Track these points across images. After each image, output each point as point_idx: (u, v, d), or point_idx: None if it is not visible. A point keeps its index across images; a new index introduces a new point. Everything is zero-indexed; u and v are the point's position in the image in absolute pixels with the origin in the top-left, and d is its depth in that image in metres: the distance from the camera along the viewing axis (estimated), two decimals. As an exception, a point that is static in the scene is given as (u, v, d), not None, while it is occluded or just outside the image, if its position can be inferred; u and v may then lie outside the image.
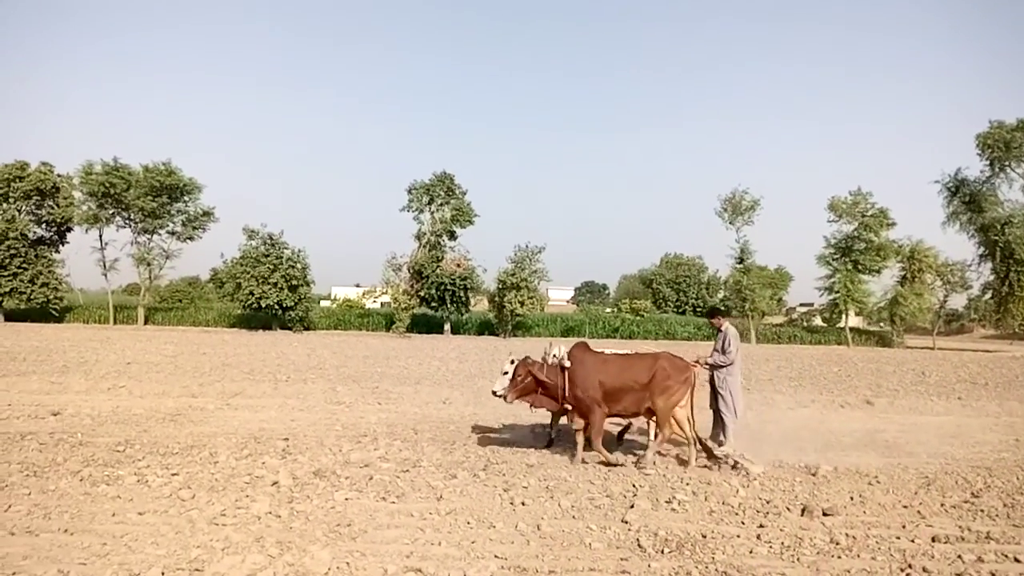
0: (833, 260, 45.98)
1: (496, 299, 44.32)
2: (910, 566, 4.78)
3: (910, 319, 46.87)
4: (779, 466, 7.93)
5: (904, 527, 5.73)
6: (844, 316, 48.06)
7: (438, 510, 5.90)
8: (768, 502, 6.36)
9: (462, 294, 43.06)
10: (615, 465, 7.75)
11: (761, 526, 5.65)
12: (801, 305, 75.86)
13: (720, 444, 8.56)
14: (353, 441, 8.88)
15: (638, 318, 51.12)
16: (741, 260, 46.60)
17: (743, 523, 5.76)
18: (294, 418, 10.72)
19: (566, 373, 8.04)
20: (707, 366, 8.80)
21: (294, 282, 41.97)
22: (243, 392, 13.46)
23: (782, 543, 5.22)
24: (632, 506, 6.07)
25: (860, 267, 44.89)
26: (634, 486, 6.79)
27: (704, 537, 5.32)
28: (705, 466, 7.94)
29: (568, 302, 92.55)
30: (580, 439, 8.06)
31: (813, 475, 7.50)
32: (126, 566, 4.43)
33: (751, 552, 5.04)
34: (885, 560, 4.91)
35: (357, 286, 72.47)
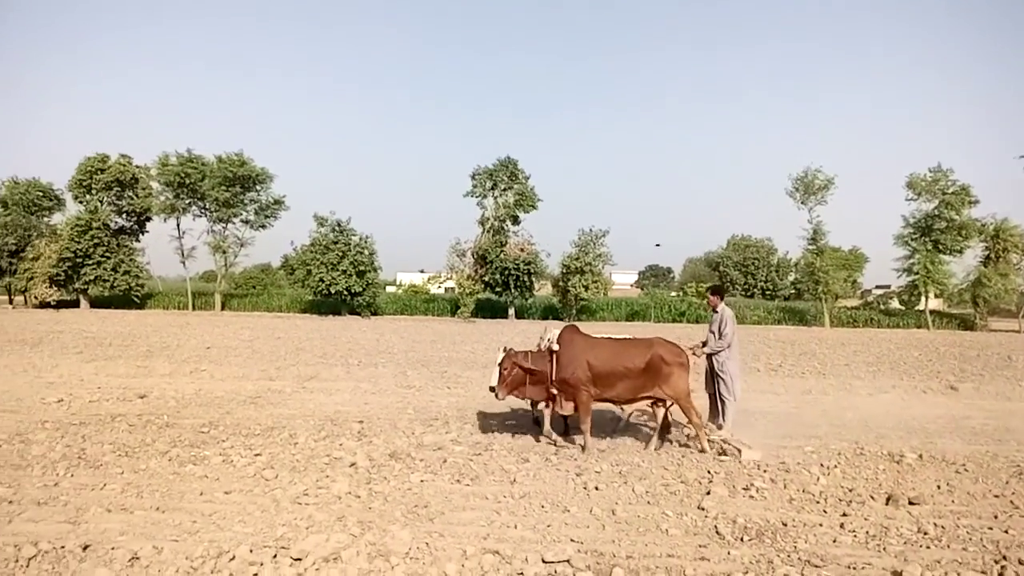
0: (912, 240, 44.08)
1: (560, 283, 44.20)
2: (1004, 558, 4.59)
3: (994, 301, 44.54)
4: (860, 453, 7.70)
5: (996, 517, 5.51)
6: (924, 298, 46.12)
7: (512, 493, 5.96)
8: (851, 490, 6.19)
9: (526, 279, 43.09)
10: (587, 449, 7.62)
11: (844, 515, 5.51)
12: (877, 287, 73.20)
13: (719, 428, 8.38)
14: (425, 424, 9.04)
15: (705, 302, 50.24)
16: (814, 241, 45.14)
17: (825, 511, 5.63)
18: (367, 401, 10.96)
19: (554, 357, 7.93)
20: (706, 353, 8.62)
21: (362, 268, 42.73)
22: (317, 376, 13.84)
23: (867, 532, 5.08)
24: (708, 493, 6.00)
25: (940, 247, 42.89)
26: (709, 472, 6.70)
27: (785, 525, 5.22)
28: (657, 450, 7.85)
29: (632, 286, 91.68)
30: (546, 419, 8.16)
31: (897, 463, 7.26)
32: (216, 543, 4.62)
33: (835, 541, 4.92)
34: (977, 551, 4.73)
35: (421, 272, 73.45)
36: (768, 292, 70.58)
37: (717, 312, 8.71)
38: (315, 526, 4.99)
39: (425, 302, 49.83)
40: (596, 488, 6.13)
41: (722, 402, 8.60)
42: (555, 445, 7.91)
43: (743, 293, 69.89)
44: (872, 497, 5.98)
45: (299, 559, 4.34)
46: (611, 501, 5.78)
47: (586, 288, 42.52)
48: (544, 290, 47.90)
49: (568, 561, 4.38)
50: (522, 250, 43.16)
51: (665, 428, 8.27)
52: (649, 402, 8.17)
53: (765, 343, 26.93)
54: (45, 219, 45.70)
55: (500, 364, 8.09)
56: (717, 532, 5.09)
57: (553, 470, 6.76)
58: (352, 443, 7.70)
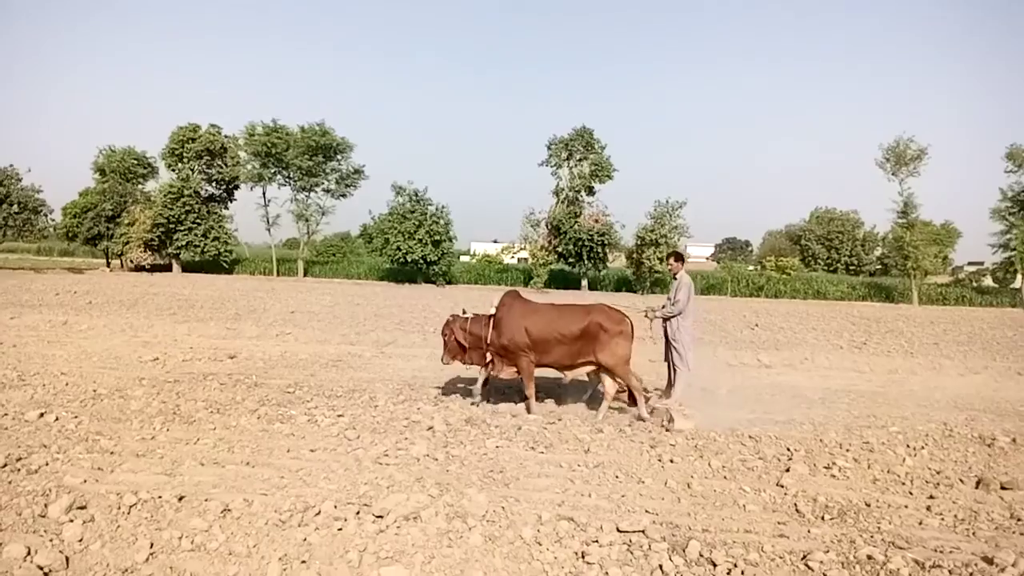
0: (1010, 214, 41.61)
1: (634, 255, 43.65)
2: (1109, 551, 4.34)
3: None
4: (949, 435, 7.38)
5: (1101, 508, 5.20)
6: (1020, 276, 43.55)
7: (586, 462, 5.98)
8: (938, 472, 5.95)
9: (600, 250, 42.75)
10: (531, 412, 7.78)
11: (931, 497, 5.31)
12: (970, 264, 69.47)
13: (668, 396, 8.32)
14: (499, 392, 9.13)
15: (784, 276, 48.81)
16: (904, 214, 43.06)
17: (911, 493, 5.44)
18: (443, 368, 11.14)
19: (491, 322, 7.93)
20: (656, 317, 8.52)
21: (437, 237, 43.28)
22: (395, 341, 14.16)
23: (955, 516, 4.89)
24: (788, 470, 5.88)
25: (1040, 222, 40.35)
26: (788, 450, 6.55)
27: (868, 506, 5.07)
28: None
29: (708, 259, 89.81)
30: (478, 384, 8.29)
31: (988, 446, 6.93)
32: (302, 498, 4.82)
33: (920, 524, 4.76)
34: (1078, 543, 4.49)
35: (495, 242, 73.76)
36: (852, 267, 68.05)
37: (676, 279, 8.59)
38: (395, 486, 5.14)
39: (498, 272, 50.12)
40: (671, 461, 6.09)
41: (674, 371, 8.50)
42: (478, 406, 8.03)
43: (826, 268, 67.59)
44: (961, 480, 5.74)
45: (381, 516, 4.48)
46: (686, 474, 5.73)
47: (660, 261, 41.87)
48: (618, 262, 47.46)
49: (643, 531, 4.38)
50: (596, 221, 42.77)
51: (631, 399, 8.09)
52: (592, 369, 8.09)
53: (849, 320, 25.99)
54: (140, 186, 47.92)
55: (442, 331, 8.30)
56: (797, 510, 4.99)
57: (627, 441, 6.75)
58: (429, 408, 7.87)
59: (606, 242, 42.51)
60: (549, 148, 43.90)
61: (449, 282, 46.26)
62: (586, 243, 42.12)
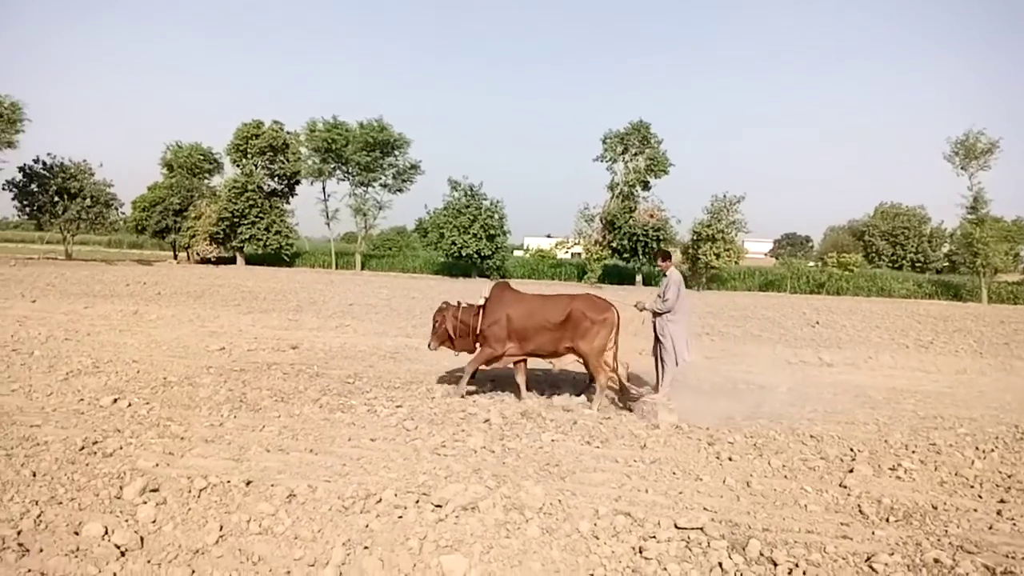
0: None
1: (690, 251, 43.05)
2: None
3: None
4: (1021, 438, 7.09)
5: None
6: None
7: (642, 458, 5.96)
8: (1009, 476, 5.75)
9: (655, 245, 42.28)
10: (464, 395, 8.06)
11: (1002, 501, 5.14)
12: (1044, 261, 66.36)
13: (656, 391, 8.34)
14: (554, 387, 9.16)
15: (847, 273, 47.46)
16: (973, 210, 41.34)
17: (980, 497, 5.26)
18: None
19: (481, 311, 8.12)
20: (646, 311, 8.54)
21: (492, 232, 43.48)
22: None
23: (1029, 522, 4.71)
24: (851, 471, 5.75)
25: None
26: (852, 450, 6.41)
27: (935, 508, 4.93)
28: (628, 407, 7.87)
29: (767, 255, 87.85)
30: (520, 379, 8.27)
31: (1067, 452, 6.64)
32: (364, 486, 4.93)
33: (990, 528, 4.60)
34: None
35: (548, 236, 73.71)
36: (919, 264, 65.74)
37: (666, 276, 8.63)
38: (453, 476, 5.22)
39: (552, 267, 50.06)
40: (729, 459, 6.02)
41: (662, 366, 8.48)
42: (463, 395, 8.14)
43: (890, 264, 65.45)
44: (1037, 486, 5.53)
45: (439, 506, 4.56)
46: (745, 473, 5.66)
47: (717, 256, 41.19)
48: (673, 257, 46.91)
49: (702, 529, 4.35)
50: (652, 216, 42.28)
51: (622, 390, 8.16)
52: (577, 358, 8.18)
53: (915, 318, 25.14)
54: (205, 181, 49.37)
55: (433, 317, 8.48)
56: (860, 511, 4.89)
57: (684, 438, 6.70)
58: (486, 400, 7.95)
59: (661, 237, 41.99)
60: (604, 142, 43.56)
61: (503, 276, 46.39)
62: (641, 238, 41.71)
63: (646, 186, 43.47)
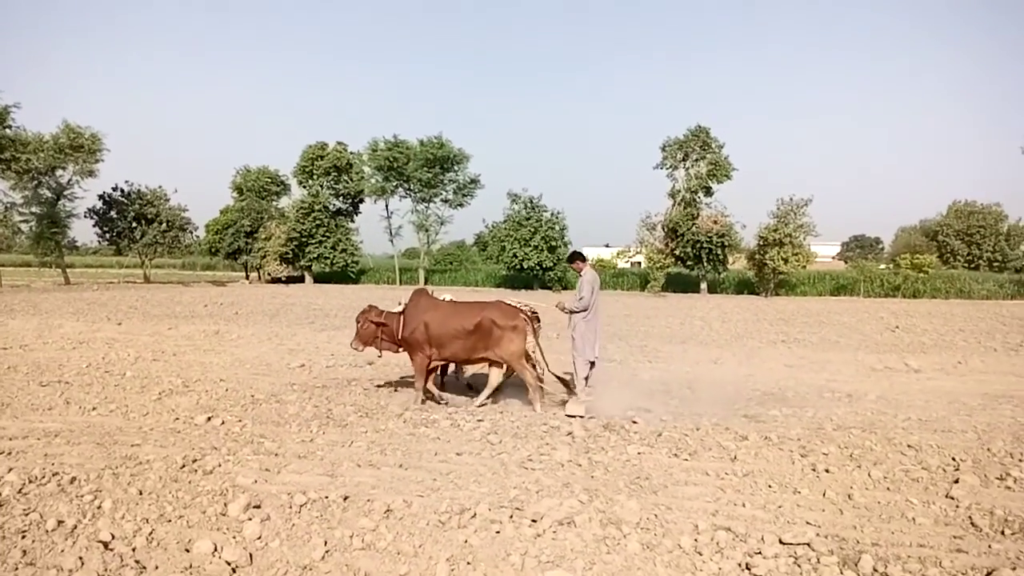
0: None
1: (756, 256, 42.13)
2: None
3: None
4: None
5: None
6: None
7: (734, 471, 5.82)
8: None
9: (719, 252, 41.55)
10: (432, 400, 8.52)
11: None
12: None
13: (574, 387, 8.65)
14: (631, 397, 9.05)
15: (922, 275, 45.67)
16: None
17: (1105, 509, 4.95)
18: (571, 372, 11.17)
19: (401, 317, 8.48)
20: (566, 311, 8.86)
21: (553, 243, 43.52)
22: (520, 348, 14.31)
23: None
24: (956, 481, 5.49)
25: None
26: (954, 459, 6.13)
27: (1055, 521, 4.66)
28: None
29: (834, 258, 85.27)
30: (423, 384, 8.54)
31: None
32: (457, 500, 4.96)
33: (1122, 543, 4.32)
34: None
35: (607, 246, 73.16)
36: (996, 264, 62.80)
37: (581, 276, 8.95)
38: (544, 490, 5.20)
39: (614, 276, 49.73)
40: (826, 471, 5.83)
41: (574, 363, 8.84)
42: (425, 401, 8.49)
43: (966, 264, 62.70)
44: None
45: (535, 520, 4.55)
46: (845, 485, 5.47)
47: (785, 261, 40.18)
48: (738, 263, 45.91)
49: (808, 544, 4.21)
50: (715, 222, 41.59)
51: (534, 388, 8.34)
52: (487, 364, 8.44)
53: (999, 320, 24.01)
54: (274, 203, 51.02)
55: (356, 318, 8.92)
56: (972, 523, 4.66)
57: (775, 449, 6.52)
58: (564, 413, 7.90)
59: (726, 243, 41.26)
60: (664, 150, 43.12)
61: (565, 287, 46.29)
62: (705, 245, 41.07)
63: (708, 192, 42.81)
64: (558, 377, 8.55)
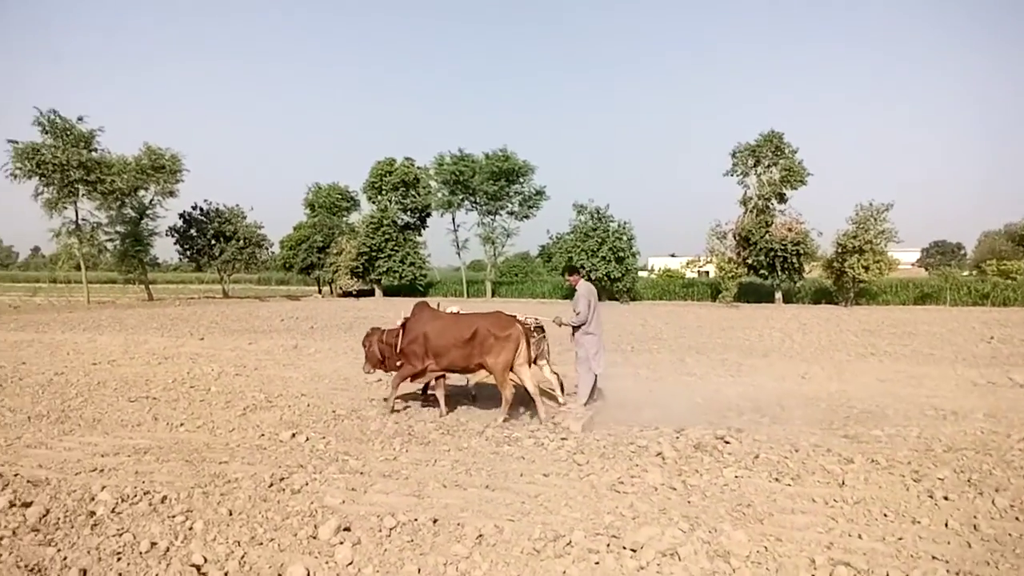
0: None
1: (835, 264, 40.58)
2: None
3: None
4: None
5: None
6: None
7: (844, 498, 5.43)
8: None
9: (795, 260, 40.23)
10: (394, 411, 8.65)
11: None
12: None
13: (575, 401, 8.84)
14: (719, 415, 8.69)
15: (1011, 281, 43.21)
16: None
17: None
18: (651, 388, 10.86)
19: (401, 330, 8.72)
20: (565, 325, 9.05)
21: (620, 254, 42.98)
22: (596, 361, 14.01)
23: None
24: (1097, 512, 4.98)
25: None
26: (1090, 487, 5.58)
27: None
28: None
29: (914, 265, 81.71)
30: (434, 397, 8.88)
31: None
32: (550, 526, 4.75)
33: None
34: None
35: (672, 256, 72.03)
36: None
37: (576, 289, 9.08)
38: (640, 517, 4.94)
39: (684, 287, 48.80)
40: (945, 498, 5.38)
41: (579, 376, 8.97)
42: (391, 411, 8.65)
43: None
44: None
45: (635, 551, 4.30)
46: (968, 514, 5.02)
47: (866, 269, 38.60)
48: (814, 272, 44.36)
49: (942, 583, 3.84)
50: (790, 229, 40.29)
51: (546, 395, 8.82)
52: (487, 374, 8.61)
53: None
54: (344, 218, 52.10)
55: (362, 342, 9.28)
56: (1126, 563, 4.18)
57: (885, 473, 6.08)
58: (651, 432, 7.61)
59: (801, 251, 39.91)
60: (734, 156, 42.08)
61: (633, 298, 45.67)
62: (779, 253, 39.83)
63: (782, 198, 41.57)
64: (547, 392, 9.00)
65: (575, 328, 8.94)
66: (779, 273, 40.81)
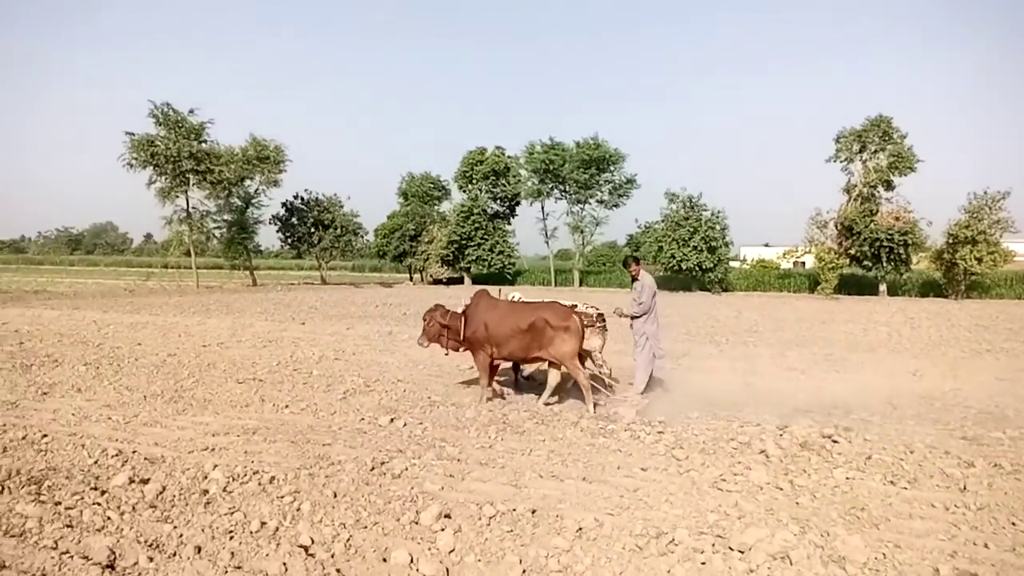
0: None
1: (945, 255, 38.22)
2: None
3: None
4: None
5: None
6: None
7: (966, 503, 5.10)
8: None
9: (902, 251, 38.14)
10: (498, 397, 8.79)
11: None
12: None
13: (630, 385, 9.12)
14: (824, 413, 8.32)
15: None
16: None
17: None
18: (749, 382, 10.50)
19: (463, 318, 8.69)
20: (625, 316, 9.22)
21: (713, 244, 41.93)
22: (690, 353, 13.73)
23: None
24: None
25: None
26: None
27: None
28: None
29: (1030, 256, 75.87)
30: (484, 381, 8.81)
31: None
32: (651, 522, 4.65)
33: None
34: None
35: (766, 245, 69.54)
36: None
37: (638, 280, 9.13)
38: (746, 516, 4.78)
39: (779, 278, 47.11)
40: (1085, 510, 4.96)
41: (637, 365, 9.12)
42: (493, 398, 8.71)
43: None
44: None
45: (743, 552, 4.16)
46: (1112, 529, 4.61)
47: (979, 261, 36.19)
48: (921, 264, 41.95)
49: (1088, 604, 3.53)
50: (897, 219, 38.25)
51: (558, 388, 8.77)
52: (547, 363, 8.58)
53: None
54: (436, 207, 52.98)
55: (423, 315, 9.28)
56: None
57: (1011, 479, 5.67)
58: (752, 428, 7.35)
59: (909, 242, 37.81)
60: (838, 141, 40.20)
61: (725, 289, 44.47)
62: (885, 243, 37.86)
63: (889, 186, 39.48)
64: (603, 378, 9.10)
65: (635, 318, 9.09)
66: (884, 264, 38.86)
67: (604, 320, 9.34)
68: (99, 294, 31.47)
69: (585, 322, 8.65)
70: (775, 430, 7.19)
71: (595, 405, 8.25)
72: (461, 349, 9.07)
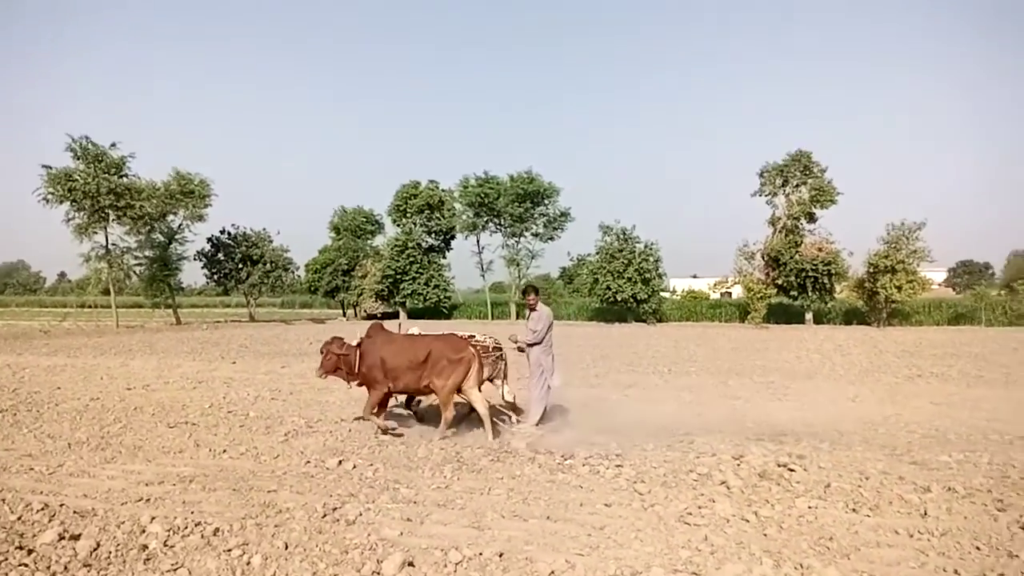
0: None
1: (866, 284, 39.94)
2: None
3: None
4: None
5: None
6: None
7: (928, 529, 5.12)
8: None
9: (826, 280, 39.71)
10: (391, 433, 8.46)
11: None
12: None
13: (526, 419, 9.03)
14: (775, 440, 8.35)
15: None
16: None
17: None
18: (698, 412, 10.54)
19: (357, 351, 8.68)
20: (520, 344, 9.23)
21: (647, 275, 42.67)
22: (636, 384, 13.74)
23: None
24: None
25: None
26: None
27: None
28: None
29: (940, 285, 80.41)
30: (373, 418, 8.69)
31: None
32: (624, 561, 4.49)
33: None
34: None
35: (694, 277, 71.40)
36: None
37: (536, 310, 9.25)
38: (718, 551, 4.67)
39: (710, 308, 48.27)
40: (1039, 530, 5.05)
41: (531, 394, 9.15)
42: (384, 433, 8.52)
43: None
44: None
45: (722, 589, 4.03)
46: (1069, 549, 4.69)
47: (899, 289, 37.96)
48: (843, 292, 43.71)
49: (1067, 628, 3.53)
50: (820, 249, 39.89)
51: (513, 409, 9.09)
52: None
53: None
54: (369, 241, 52.37)
55: (320, 348, 9.20)
56: None
57: (967, 503, 5.75)
58: (710, 459, 7.29)
59: (832, 271, 39.39)
60: (761, 176, 41.82)
61: (660, 320, 45.22)
62: (810, 274, 39.33)
63: (811, 218, 41.15)
64: (510, 404, 9.10)
65: (530, 346, 9.14)
66: (809, 294, 40.31)
67: (501, 350, 9.25)
68: (11, 336, 29.66)
69: (482, 353, 8.74)
70: (731, 460, 7.14)
71: (495, 434, 8.42)
72: (355, 384, 9.01)
